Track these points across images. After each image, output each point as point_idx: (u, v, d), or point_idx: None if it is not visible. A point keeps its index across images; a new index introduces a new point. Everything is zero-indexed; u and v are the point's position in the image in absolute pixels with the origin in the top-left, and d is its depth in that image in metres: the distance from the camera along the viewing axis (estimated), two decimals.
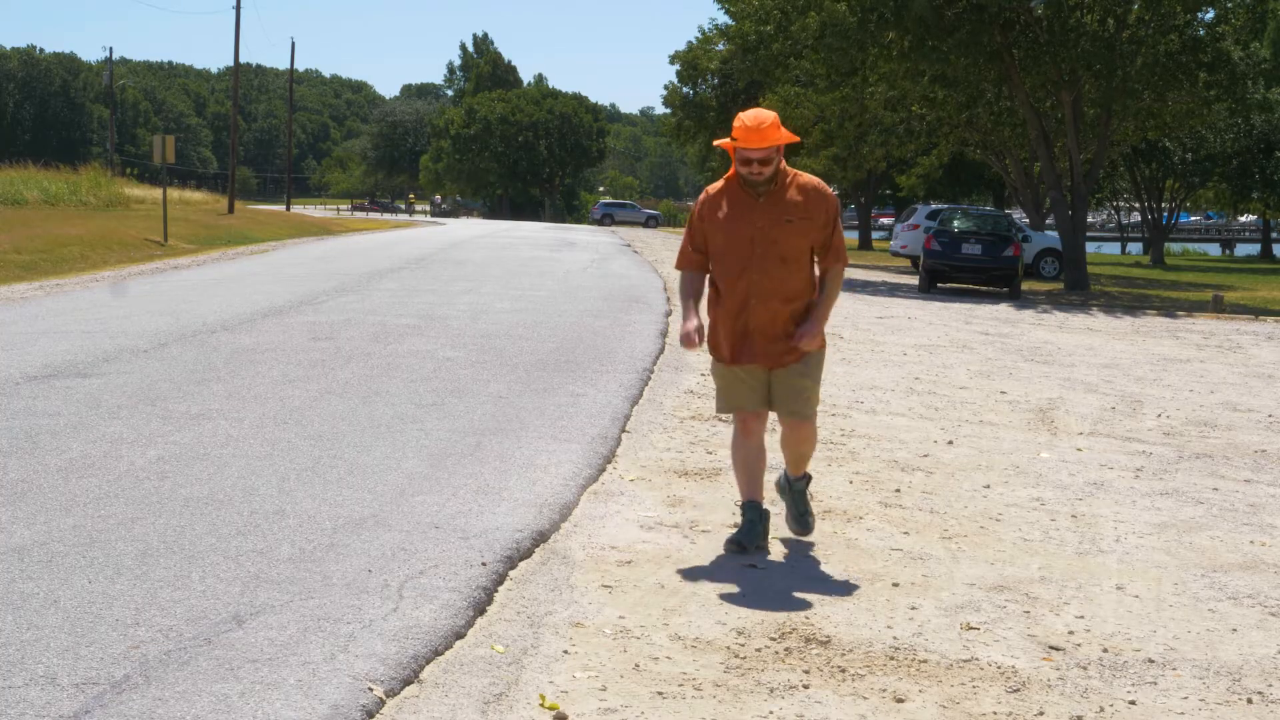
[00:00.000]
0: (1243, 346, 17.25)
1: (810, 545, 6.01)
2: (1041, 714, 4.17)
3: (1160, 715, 4.24)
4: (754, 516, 5.81)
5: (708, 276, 5.88)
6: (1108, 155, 33.14)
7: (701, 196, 5.82)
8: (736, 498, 6.91)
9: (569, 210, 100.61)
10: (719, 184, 5.79)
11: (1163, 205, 52.28)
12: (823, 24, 28.43)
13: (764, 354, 5.71)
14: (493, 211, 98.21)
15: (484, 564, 5.25)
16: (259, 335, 12.17)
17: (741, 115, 5.57)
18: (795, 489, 6.07)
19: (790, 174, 5.69)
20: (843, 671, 4.44)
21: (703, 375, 11.31)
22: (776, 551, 5.88)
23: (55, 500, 5.92)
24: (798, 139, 5.86)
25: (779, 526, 6.23)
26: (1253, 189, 49.66)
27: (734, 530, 5.98)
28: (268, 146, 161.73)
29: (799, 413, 5.79)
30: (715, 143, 5.82)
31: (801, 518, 6.06)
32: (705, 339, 5.76)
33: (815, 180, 5.71)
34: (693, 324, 5.69)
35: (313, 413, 8.28)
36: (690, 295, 5.85)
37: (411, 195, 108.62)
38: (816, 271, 5.84)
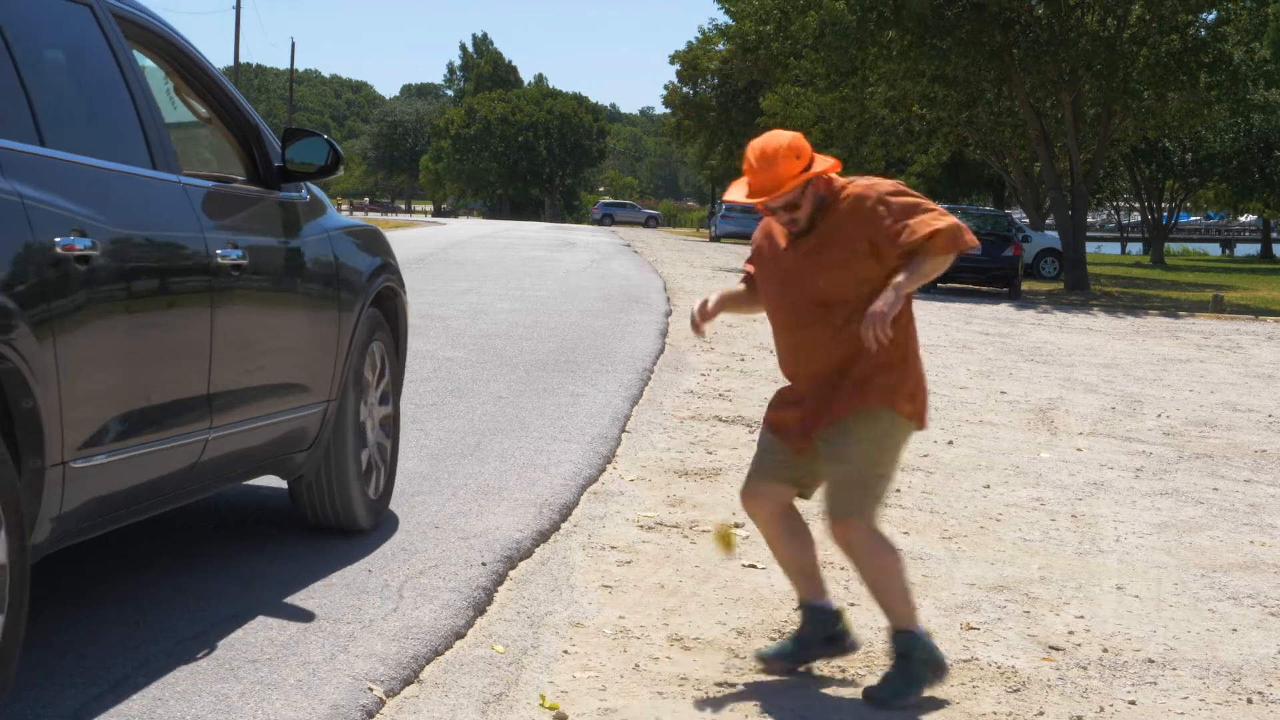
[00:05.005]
0: (1243, 346, 17.26)
1: None
2: (1041, 714, 4.17)
3: (1160, 715, 4.24)
4: (804, 619, 4.46)
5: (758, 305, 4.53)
6: (1108, 155, 33.15)
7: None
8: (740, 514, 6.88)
9: (569, 210, 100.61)
10: None
11: (1163, 205, 52.28)
12: (822, 23, 28.45)
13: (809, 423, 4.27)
14: (493, 211, 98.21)
15: (484, 564, 5.25)
16: None
17: (750, 146, 4.24)
18: (895, 645, 4.22)
19: (838, 188, 4.27)
20: (843, 671, 4.44)
21: (703, 375, 11.31)
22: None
23: None
24: (835, 165, 4.23)
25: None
26: (1253, 189, 49.66)
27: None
28: None
29: (830, 509, 4.21)
30: (726, 199, 4.24)
31: (900, 686, 4.16)
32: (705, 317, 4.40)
33: (866, 183, 4.27)
34: (698, 302, 4.44)
35: None
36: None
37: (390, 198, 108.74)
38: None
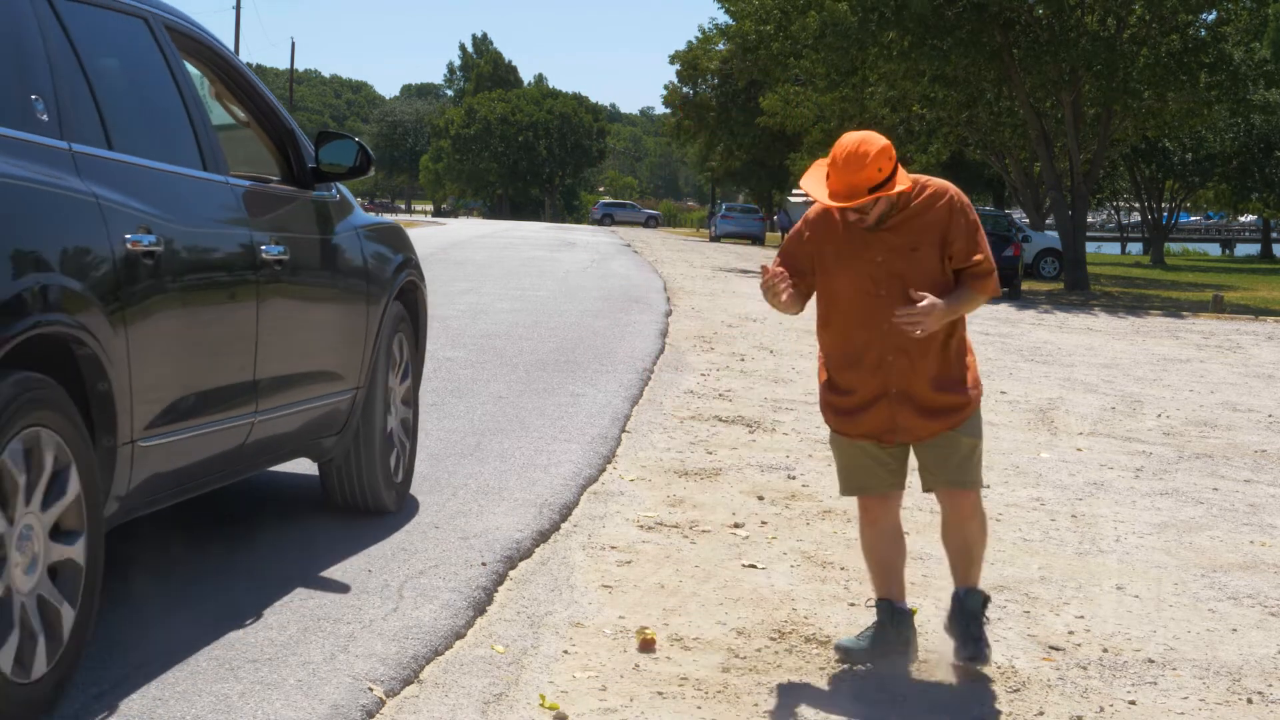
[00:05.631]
0: (1243, 346, 17.26)
1: (809, 547, 6.00)
2: (1041, 714, 4.17)
3: (1160, 715, 4.24)
4: (885, 618, 4.59)
5: (816, 321, 4.62)
6: (1108, 155, 33.14)
7: (809, 213, 4.56)
8: (729, 508, 6.91)
9: (569, 210, 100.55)
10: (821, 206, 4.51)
11: (1163, 205, 52.28)
12: (823, 23, 28.43)
13: (913, 426, 4.47)
14: (493, 211, 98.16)
15: (484, 564, 5.25)
16: None
17: (841, 142, 4.30)
18: (968, 609, 4.52)
19: (917, 185, 4.42)
20: (842, 671, 4.44)
21: (703, 375, 11.31)
22: (775, 552, 5.87)
23: None
24: (909, 187, 4.37)
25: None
26: (1253, 189, 49.66)
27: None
28: None
29: (959, 480, 4.51)
30: (804, 195, 4.71)
31: (975, 642, 4.47)
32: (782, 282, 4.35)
33: (942, 184, 4.43)
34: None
35: None
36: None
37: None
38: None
